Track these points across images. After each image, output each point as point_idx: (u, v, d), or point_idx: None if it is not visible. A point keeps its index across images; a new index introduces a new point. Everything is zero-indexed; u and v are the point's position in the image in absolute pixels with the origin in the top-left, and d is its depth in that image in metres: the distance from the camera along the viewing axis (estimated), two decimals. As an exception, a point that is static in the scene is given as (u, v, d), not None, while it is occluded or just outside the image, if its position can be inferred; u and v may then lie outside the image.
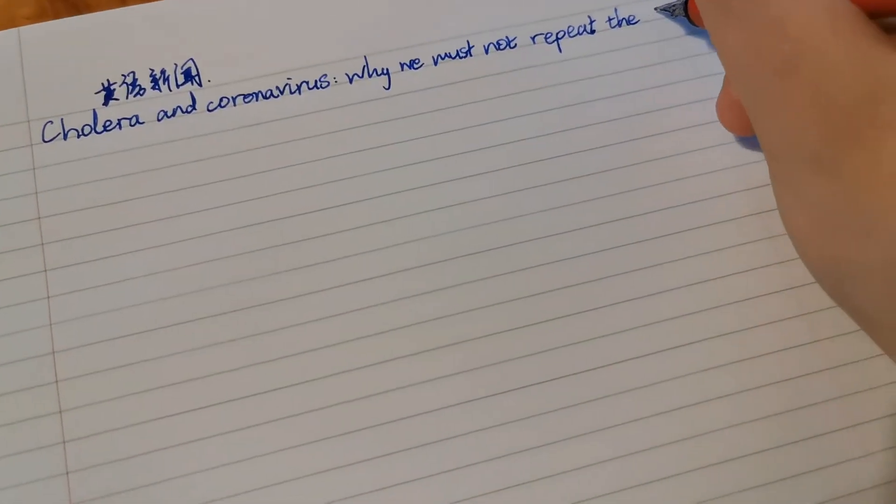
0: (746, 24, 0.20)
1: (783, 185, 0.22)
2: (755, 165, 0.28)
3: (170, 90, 0.28)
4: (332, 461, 0.24)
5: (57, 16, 0.32)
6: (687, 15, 0.29)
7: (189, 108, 0.28)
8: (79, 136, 0.27)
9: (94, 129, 0.27)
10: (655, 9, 0.30)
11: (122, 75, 0.28)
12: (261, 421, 0.25)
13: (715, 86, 0.29)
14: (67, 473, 0.24)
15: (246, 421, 0.25)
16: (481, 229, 0.27)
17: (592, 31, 0.30)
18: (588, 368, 0.26)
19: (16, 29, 0.29)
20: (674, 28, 0.30)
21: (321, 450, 0.24)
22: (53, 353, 0.25)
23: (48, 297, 0.25)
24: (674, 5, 0.29)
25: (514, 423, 0.25)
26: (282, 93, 0.28)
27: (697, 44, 0.30)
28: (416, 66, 0.29)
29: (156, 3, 0.29)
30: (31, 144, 0.27)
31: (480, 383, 0.25)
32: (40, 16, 0.32)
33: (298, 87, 0.28)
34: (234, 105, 0.28)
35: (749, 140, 0.28)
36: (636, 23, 0.30)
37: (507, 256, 0.27)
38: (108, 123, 0.27)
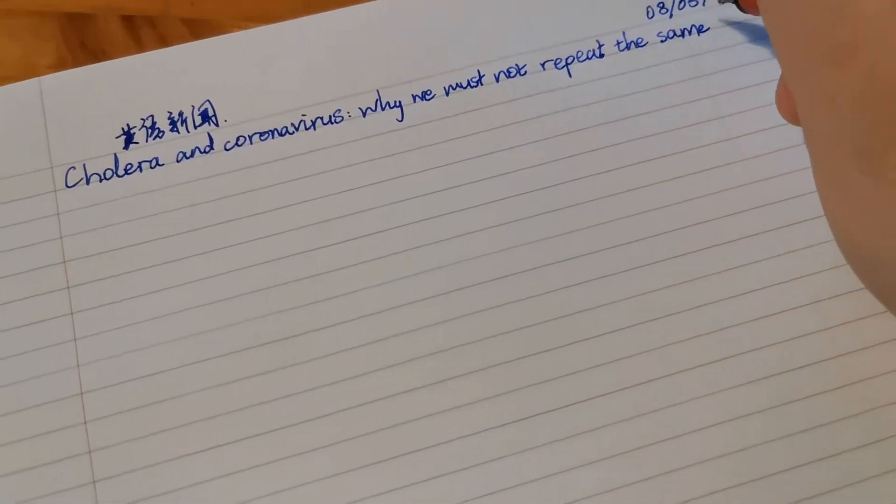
0: (803, 4, 0.20)
1: (827, 180, 0.21)
2: (768, 182, 0.28)
3: (188, 131, 0.29)
4: (356, 492, 0.24)
5: (77, 64, 0.33)
6: (736, 1, 0.29)
7: (207, 149, 0.28)
8: (101, 181, 0.28)
9: (115, 172, 0.28)
10: None
11: (142, 119, 0.29)
12: (288, 454, 0.25)
13: (724, 104, 0.29)
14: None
15: (272, 454, 0.25)
16: (499, 255, 0.27)
17: (601, 55, 0.30)
18: (614, 390, 0.26)
19: (37, 79, 0.29)
20: (681, 48, 0.30)
21: (346, 481, 0.25)
22: (81, 394, 0.25)
23: (75, 340, 0.26)
24: None
25: (541, 447, 0.25)
26: (297, 129, 0.29)
27: (707, 62, 0.30)
28: (428, 97, 0.29)
29: (171, 48, 0.30)
30: (55, 190, 0.28)
31: (503, 410, 0.25)
32: (60, 64, 0.33)
33: (313, 123, 0.29)
34: (251, 143, 0.28)
35: (761, 156, 0.29)
36: (644, 45, 0.30)
37: (526, 281, 0.27)
38: (129, 167, 0.28)
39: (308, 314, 0.26)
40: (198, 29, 0.34)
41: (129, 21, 0.34)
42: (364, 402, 0.25)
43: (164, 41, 0.34)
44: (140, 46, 0.33)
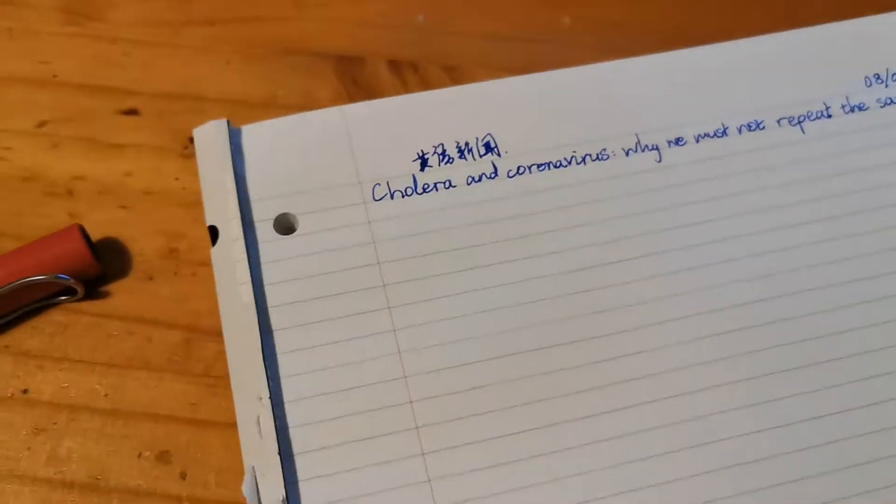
0: None
1: None
2: None
3: (474, 159, 0.33)
4: None
5: (351, 99, 0.37)
6: None
7: (492, 175, 0.32)
8: (403, 196, 0.32)
9: (415, 190, 0.32)
10: None
11: (433, 146, 0.33)
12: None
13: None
14: None
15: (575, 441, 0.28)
16: (747, 283, 0.31)
17: (829, 116, 0.34)
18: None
19: (339, 107, 0.34)
20: (899, 114, 0.34)
21: None
22: (405, 377, 0.29)
23: (394, 330, 0.29)
24: None
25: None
26: (569, 163, 0.33)
27: (924, 128, 0.34)
28: (681, 143, 0.33)
29: (457, 87, 0.34)
30: (364, 203, 0.31)
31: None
32: (338, 98, 0.38)
33: (583, 159, 0.33)
34: (530, 173, 0.32)
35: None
36: (866, 109, 0.34)
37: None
38: (426, 186, 0.32)
39: (587, 322, 0.30)
40: (455, 75, 0.38)
41: (394, 65, 0.38)
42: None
43: (425, 84, 0.38)
44: (406, 87, 0.38)
